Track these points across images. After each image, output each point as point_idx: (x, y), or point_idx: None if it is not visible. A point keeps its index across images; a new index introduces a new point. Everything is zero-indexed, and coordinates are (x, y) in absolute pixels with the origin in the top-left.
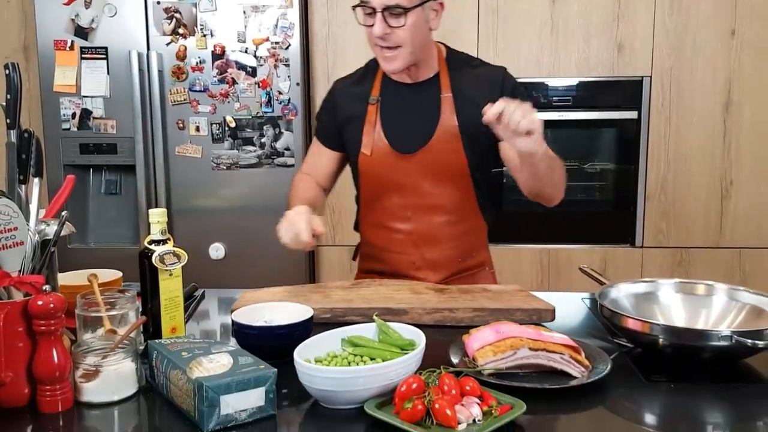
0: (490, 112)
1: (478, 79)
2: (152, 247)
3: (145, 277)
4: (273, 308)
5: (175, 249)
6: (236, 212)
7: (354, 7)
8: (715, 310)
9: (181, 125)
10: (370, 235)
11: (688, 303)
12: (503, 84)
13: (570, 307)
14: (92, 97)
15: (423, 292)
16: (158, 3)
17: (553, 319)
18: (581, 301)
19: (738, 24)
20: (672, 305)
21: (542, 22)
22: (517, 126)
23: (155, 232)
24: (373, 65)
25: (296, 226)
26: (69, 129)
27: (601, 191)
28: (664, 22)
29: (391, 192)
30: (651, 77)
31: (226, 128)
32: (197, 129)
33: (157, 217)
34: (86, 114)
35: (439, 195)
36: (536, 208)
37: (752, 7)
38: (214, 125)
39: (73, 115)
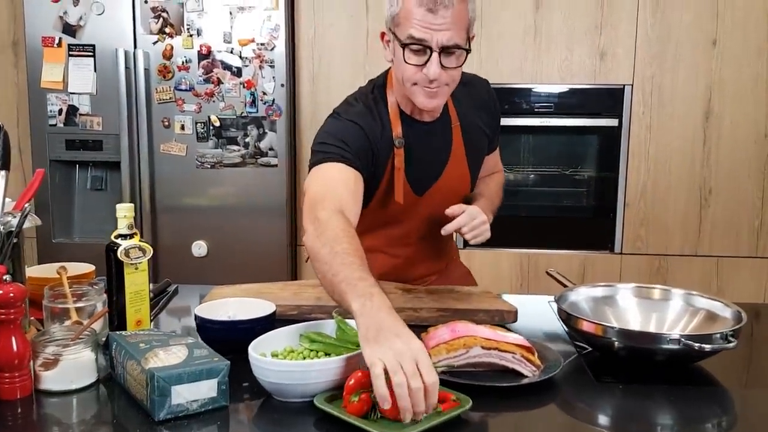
0: (449, 226)
1: (473, 100)
2: (118, 241)
3: (111, 270)
4: (237, 304)
5: (141, 243)
6: (219, 211)
7: (404, 45)
8: (670, 315)
9: (167, 123)
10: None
11: (644, 307)
12: (494, 102)
13: (536, 308)
14: (79, 93)
15: (391, 291)
16: (146, 2)
17: (515, 320)
18: (547, 304)
19: (719, 34)
20: (628, 309)
21: (525, 29)
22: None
23: (122, 227)
24: (382, 98)
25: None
26: (55, 125)
27: (581, 197)
28: (647, 30)
29: (400, 224)
30: (632, 85)
31: (211, 127)
32: (182, 127)
33: (124, 211)
34: (73, 110)
35: (441, 220)
36: (516, 212)
37: (733, 18)
38: (199, 124)
39: (60, 111)
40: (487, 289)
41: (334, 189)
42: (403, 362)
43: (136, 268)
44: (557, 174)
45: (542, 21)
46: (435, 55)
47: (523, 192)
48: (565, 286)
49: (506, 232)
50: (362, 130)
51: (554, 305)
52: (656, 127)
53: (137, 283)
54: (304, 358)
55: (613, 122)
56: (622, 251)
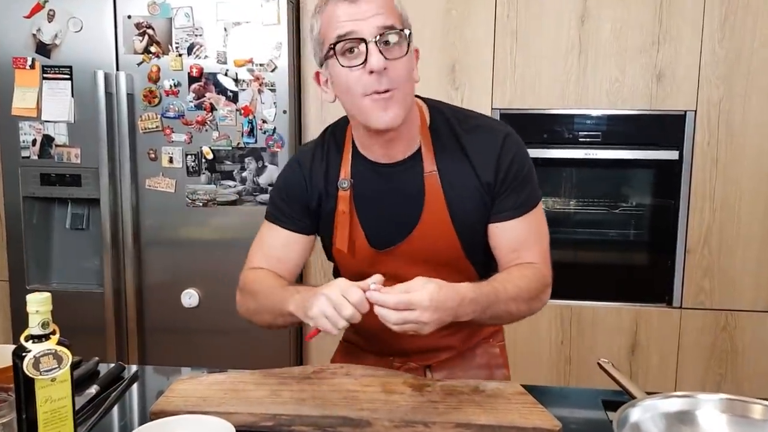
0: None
1: (470, 149)
2: (29, 345)
3: (19, 383)
4: (186, 424)
5: (58, 348)
6: (213, 255)
7: (332, 45)
8: None
9: (153, 156)
10: None
11: (737, 429)
12: (500, 157)
13: (584, 411)
14: (54, 122)
15: (397, 390)
16: (129, 17)
17: None
18: (600, 407)
19: None
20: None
21: (569, 46)
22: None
23: (34, 325)
24: (334, 137)
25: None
26: (29, 157)
27: (633, 242)
28: (713, 47)
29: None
30: (696, 111)
31: (203, 160)
32: (170, 160)
33: (37, 305)
34: (48, 141)
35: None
36: (557, 258)
37: None
38: (190, 156)
39: (34, 142)
40: (523, 358)
41: (275, 253)
42: (330, 298)
43: (54, 380)
44: (605, 214)
45: (588, 36)
46: (372, 45)
47: (565, 234)
48: (618, 383)
49: None
50: (300, 172)
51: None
52: (724, 161)
53: (55, 398)
54: None
55: (672, 155)
56: (682, 305)
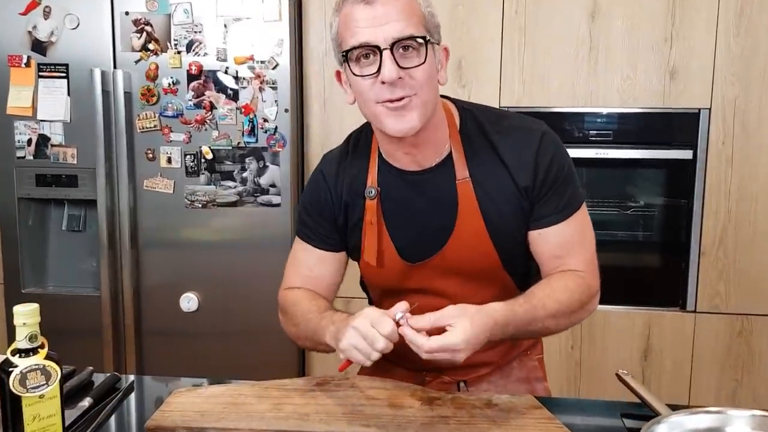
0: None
1: (504, 152)
2: (15, 360)
3: (5, 400)
4: None
5: (46, 363)
6: (212, 258)
7: (345, 53)
8: None
9: (151, 156)
10: None
11: None
12: (537, 158)
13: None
14: (50, 121)
15: (405, 404)
16: (126, 14)
17: None
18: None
19: None
20: None
21: (579, 42)
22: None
23: (21, 338)
24: (358, 144)
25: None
26: (24, 157)
27: (645, 243)
28: (728, 43)
29: (408, 294)
30: (710, 109)
31: (203, 160)
32: (169, 160)
33: (24, 317)
34: (43, 140)
35: (469, 293)
36: None
37: None
38: (189, 156)
39: (29, 142)
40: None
41: (309, 273)
42: (360, 330)
43: (42, 397)
44: (616, 215)
45: (599, 31)
46: (386, 53)
47: None
48: (639, 396)
49: None
50: (325, 183)
51: (627, 423)
52: (739, 161)
53: (43, 416)
54: None
55: (685, 154)
56: (696, 309)
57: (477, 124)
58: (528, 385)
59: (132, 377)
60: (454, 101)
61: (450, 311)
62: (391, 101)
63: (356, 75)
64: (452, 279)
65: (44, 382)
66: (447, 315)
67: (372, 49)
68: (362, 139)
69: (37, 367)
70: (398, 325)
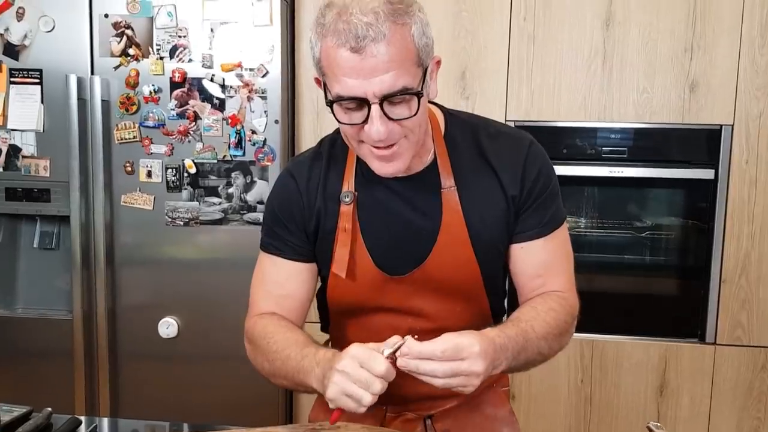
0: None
1: (492, 157)
2: None
3: None
4: None
5: None
6: (194, 279)
7: (331, 102)
8: None
9: (129, 169)
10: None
11: None
12: (525, 168)
13: None
14: (22, 131)
15: None
16: (106, 16)
17: None
18: None
19: None
20: None
21: (592, 53)
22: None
23: None
24: (335, 145)
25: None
26: None
27: (662, 269)
28: (753, 55)
29: (378, 313)
30: (733, 126)
31: (185, 174)
32: (149, 174)
33: None
34: (14, 151)
35: (445, 315)
36: (576, 286)
37: None
38: (170, 170)
39: None
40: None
41: (280, 291)
42: (349, 374)
43: None
44: (630, 238)
45: (614, 41)
46: (375, 108)
47: (586, 260)
48: None
49: None
50: (295, 186)
51: None
52: (764, 181)
53: None
54: None
55: (706, 173)
56: (716, 341)
57: (464, 127)
58: (496, 422)
59: (96, 421)
60: (440, 106)
61: (461, 339)
62: (379, 148)
63: (342, 123)
64: (430, 297)
65: None
66: (461, 344)
67: (360, 100)
68: (338, 141)
69: None
70: (390, 361)
